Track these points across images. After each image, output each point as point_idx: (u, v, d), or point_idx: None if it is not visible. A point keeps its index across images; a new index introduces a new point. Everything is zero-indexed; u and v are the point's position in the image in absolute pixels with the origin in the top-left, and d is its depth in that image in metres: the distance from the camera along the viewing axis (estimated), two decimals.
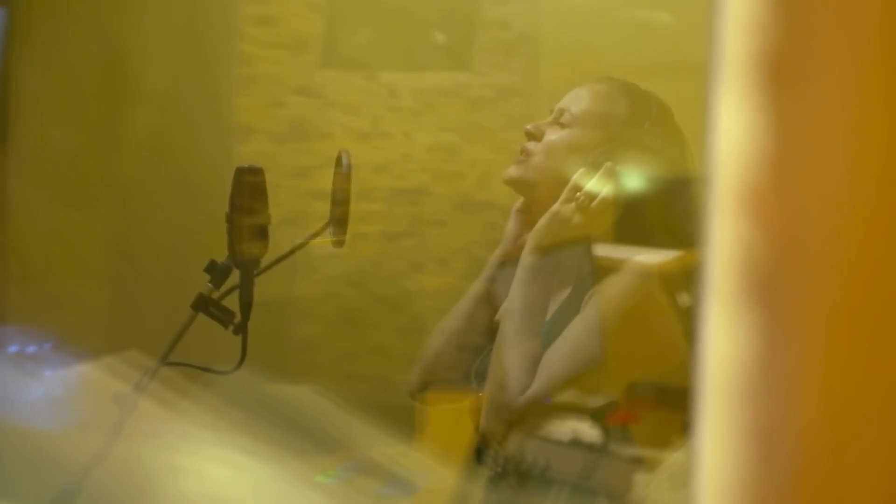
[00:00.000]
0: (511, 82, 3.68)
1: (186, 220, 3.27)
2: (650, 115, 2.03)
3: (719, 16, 0.70)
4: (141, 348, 2.04)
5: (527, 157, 2.06)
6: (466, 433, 2.06)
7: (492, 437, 2.00)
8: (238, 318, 1.92)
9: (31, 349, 2.60)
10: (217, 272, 1.92)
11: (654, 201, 2.00)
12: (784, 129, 0.68)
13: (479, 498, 2.02)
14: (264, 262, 1.93)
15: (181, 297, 1.96)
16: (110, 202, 3.28)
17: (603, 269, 1.98)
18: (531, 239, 2.02)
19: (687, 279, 1.92)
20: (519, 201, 2.11)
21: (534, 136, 2.07)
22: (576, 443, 1.94)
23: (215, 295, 1.92)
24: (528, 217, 2.08)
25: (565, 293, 2.02)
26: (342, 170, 1.97)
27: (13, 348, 2.61)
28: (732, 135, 0.69)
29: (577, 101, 2.07)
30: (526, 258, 2.01)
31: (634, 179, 1.99)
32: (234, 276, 1.93)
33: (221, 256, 1.92)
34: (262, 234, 1.91)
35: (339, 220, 1.97)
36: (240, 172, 1.92)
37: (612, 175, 1.98)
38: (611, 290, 1.96)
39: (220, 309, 1.92)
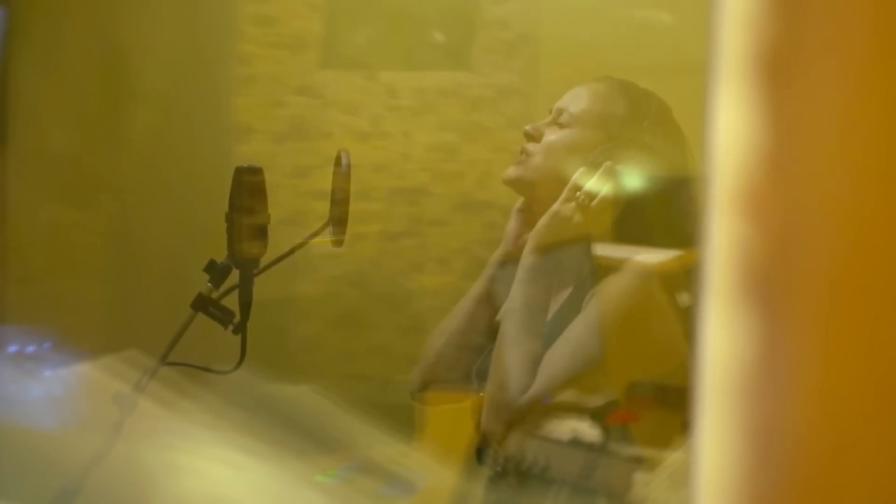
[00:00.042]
0: (511, 82, 3.68)
1: (186, 219, 3.27)
2: (649, 113, 2.03)
3: (717, 13, 0.70)
4: (140, 348, 2.04)
5: (526, 157, 2.06)
6: (466, 433, 2.06)
7: (492, 437, 2.00)
8: (237, 318, 1.92)
9: (31, 349, 2.60)
10: (216, 272, 1.92)
11: (654, 200, 2.00)
12: (782, 127, 0.68)
13: (479, 497, 2.02)
14: (264, 261, 1.93)
15: (181, 297, 1.96)
16: (110, 202, 3.28)
17: (603, 269, 1.98)
18: (532, 239, 2.02)
19: (687, 278, 1.92)
20: (519, 201, 2.11)
21: (533, 138, 2.07)
22: (576, 442, 1.93)
23: (215, 294, 1.92)
24: (528, 217, 2.08)
25: (566, 293, 2.02)
26: (342, 169, 1.97)
27: (13, 348, 2.60)
28: (730, 133, 0.69)
29: (575, 100, 2.07)
30: (526, 258, 2.01)
31: (634, 178, 1.99)
32: (234, 276, 1.93)
33: (221, 256, 1.92)
34: (261, 233, 1.91)
35: (338, 220, 1.97)
36: (239, 172, 1.92)
37: (612, 174, 1.98)
38: (611, 290, 1.96)
39: (219, 308, 1.92)
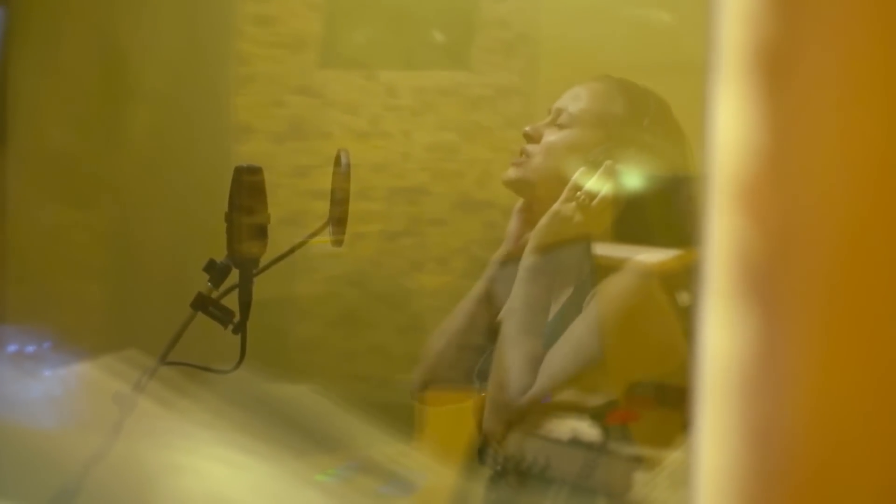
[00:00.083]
0: (510, 81, 3.68)
1: (186, 219, 3.27)
2: (648, 112, 2.03)
3: (716, 12, 0.70)
4: (140, 347, 2.04)
5: (526, 158, 2.06)
6: (466, 433, 2.06)
7: (493, 437, 2.00)
8: (237, 318, 1.92)
9: (31, 349, 2.60)
10: (216, 271, 1.92)
11: (654, 199, 2.00)
12: (781, 126, 0.68)
13: (479, 497, 2.02)
14: (263, 261, 1.93)
15: (180, 297, 1.96)
16: (110, 202, 3.28)
17: (603, 269, 1.98)
18: (532, 238, 2.02)
19: (687, 278, 1.92)
20: (520, 201, 2.11)
21: (532, 139, 2.07)
22: (576, 442, 1.93)
23: (214, 294, 1.92)
24: (529, 217, 2.08)
25: (567, 293, 2.01)
26: (341, 169, 1.97)
27: (12, 348, 2.61)
28: (730, 131, 0.69)
29: (574, 100, 2.06)
30: (527, 258, 2.01)
31: (634, 178, 1.99)
32: (234, 276, 1.93)
33: (221, 256, 1.92)
34: (261, 233, 1.91)
35: (338, 220, 1.97)
36: (239, 172, 1.92)
37: (612, 173, 1.98)
38: (611, 290, 1.96)
39: (219, 308, 1.92)
